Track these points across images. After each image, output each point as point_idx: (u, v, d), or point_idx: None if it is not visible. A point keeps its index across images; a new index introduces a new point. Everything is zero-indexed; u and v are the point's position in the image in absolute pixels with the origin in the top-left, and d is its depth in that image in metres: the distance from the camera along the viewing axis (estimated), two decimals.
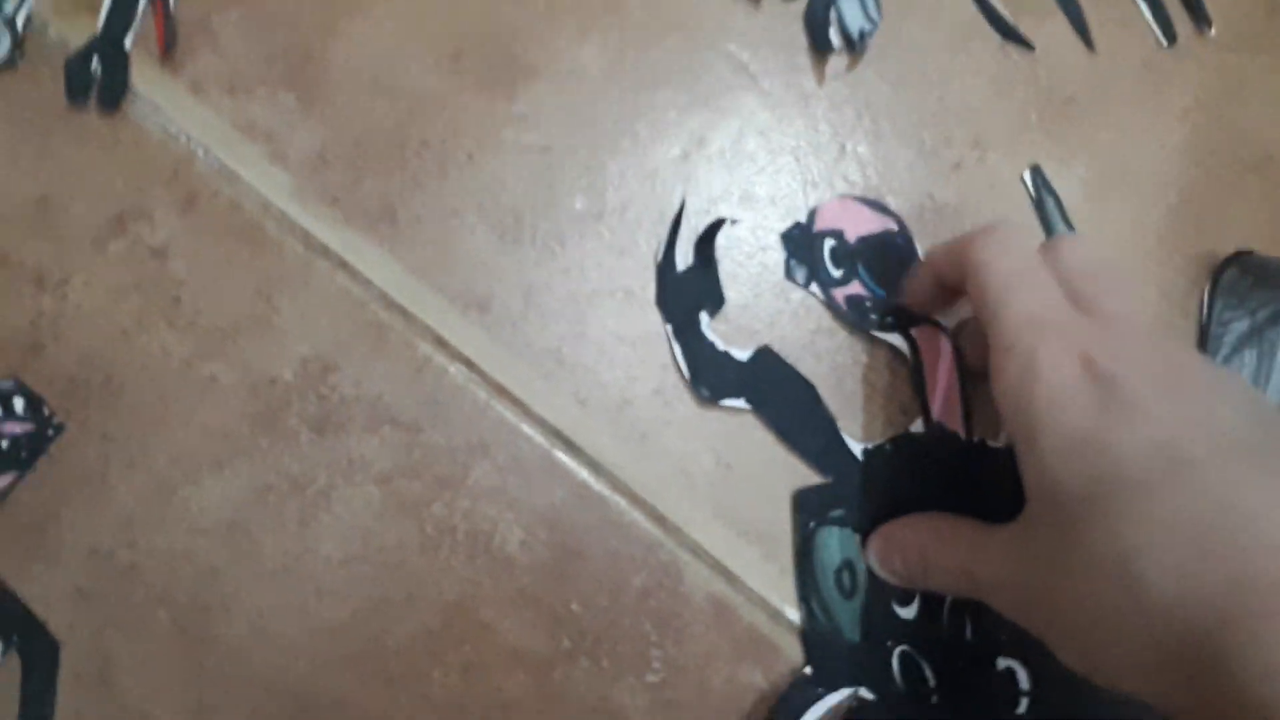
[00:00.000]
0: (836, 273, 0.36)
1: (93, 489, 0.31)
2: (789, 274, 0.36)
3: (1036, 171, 0.40)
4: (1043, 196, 0.39)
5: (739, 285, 0.36)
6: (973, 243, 0.31)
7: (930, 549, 0.31)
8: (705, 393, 0.35)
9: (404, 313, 0.34)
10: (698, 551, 0.34)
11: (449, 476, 0.33)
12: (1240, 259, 0.38)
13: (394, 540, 0.32)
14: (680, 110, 0.38)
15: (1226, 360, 0.37)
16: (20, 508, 0.31)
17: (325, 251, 0.34)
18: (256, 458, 0.32)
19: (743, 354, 0.35)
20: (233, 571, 0.31)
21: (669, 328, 0.35)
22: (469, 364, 0.34)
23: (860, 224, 0.37)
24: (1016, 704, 0.34)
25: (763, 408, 0.35)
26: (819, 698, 0.33)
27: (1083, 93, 0.41)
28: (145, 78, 0.35)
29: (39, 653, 0.30)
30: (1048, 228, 0.39)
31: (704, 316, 0.35)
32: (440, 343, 0.34)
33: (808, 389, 0.36)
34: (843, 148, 0.39)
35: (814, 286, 0.36)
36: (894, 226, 0.37)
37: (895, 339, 0.36)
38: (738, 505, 0.34)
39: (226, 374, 0.33)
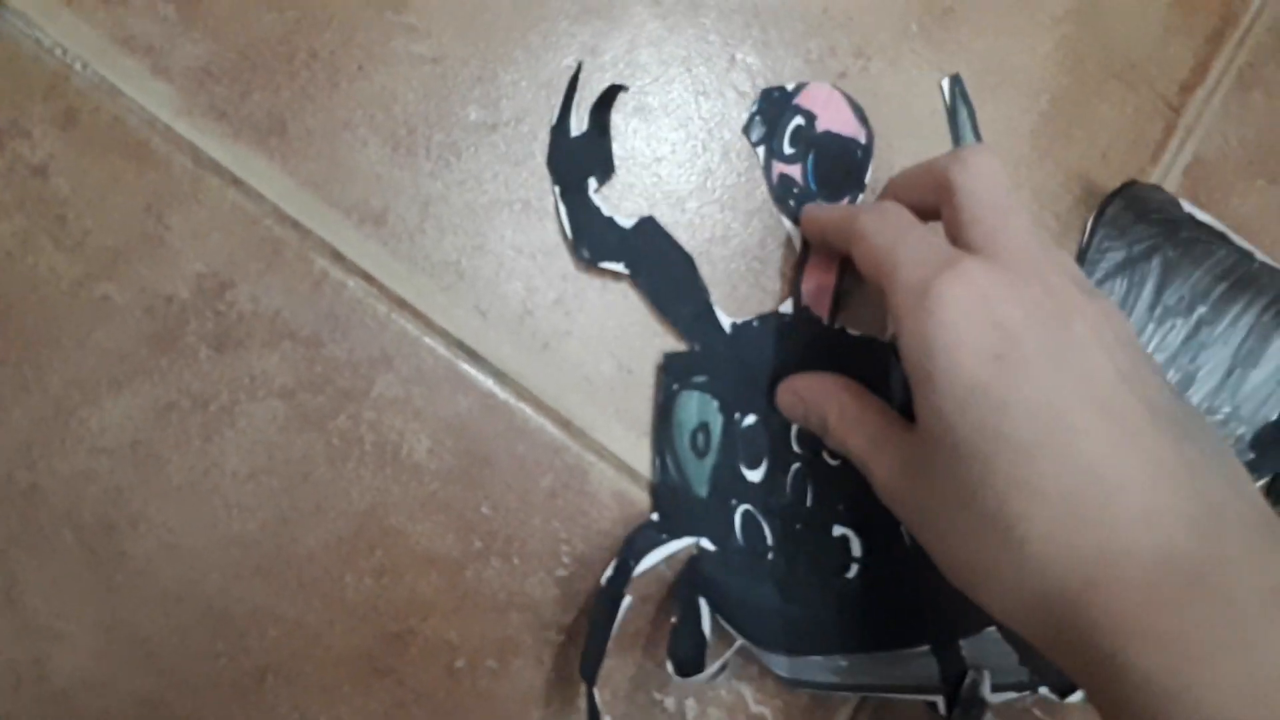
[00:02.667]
0: (789, 150, 0.38)
1: None
2: (747, 127, 0.38)
3: (956, 81, 0.41)
4: (957, 105, 0.41)
5: (635, 197, 0.37)
6: (855, 218, 0.32)
7: (832, 420, 0.33)
8: (585, 254, 0.36)
9: (298, 227, 0.34)
10: (601, 452, 0.35)
11: (352, 389, 0.34)
12: (1126, 190, 0.41)
13: (300, 453, 0.33)
14: (572, 20, 0.38)
15: (1098, 284, 0.39)
16: None
17: (215, 167, 0.34)
18: (156, 377, 0.32)
19: (626, 221, 0.36)
20: (138, 490, 0.31)
21: (556, 189, 0.36)
22: (367, 277, 0.34)
23: (834, 119, 0.38)
24: (847, 569, 0.36)
25: (640, 274, 0.36)
26: (662, 542, 0.35)
27: (960, 2, 0.43)
28: None
29: None
30: (957, 137, 0.41)
31: (592, 182, 0.36)
32: (337, 257, 0.34)
33: (685, 260, 0.37)
34: (732, 57, 0.39)
35: (760, 150, 0.37)
36: (861, 139, 0.38)
37: (790, 226, 0.38)
38: (638, 407, 0.35)
39: (119, 294, 0.32)
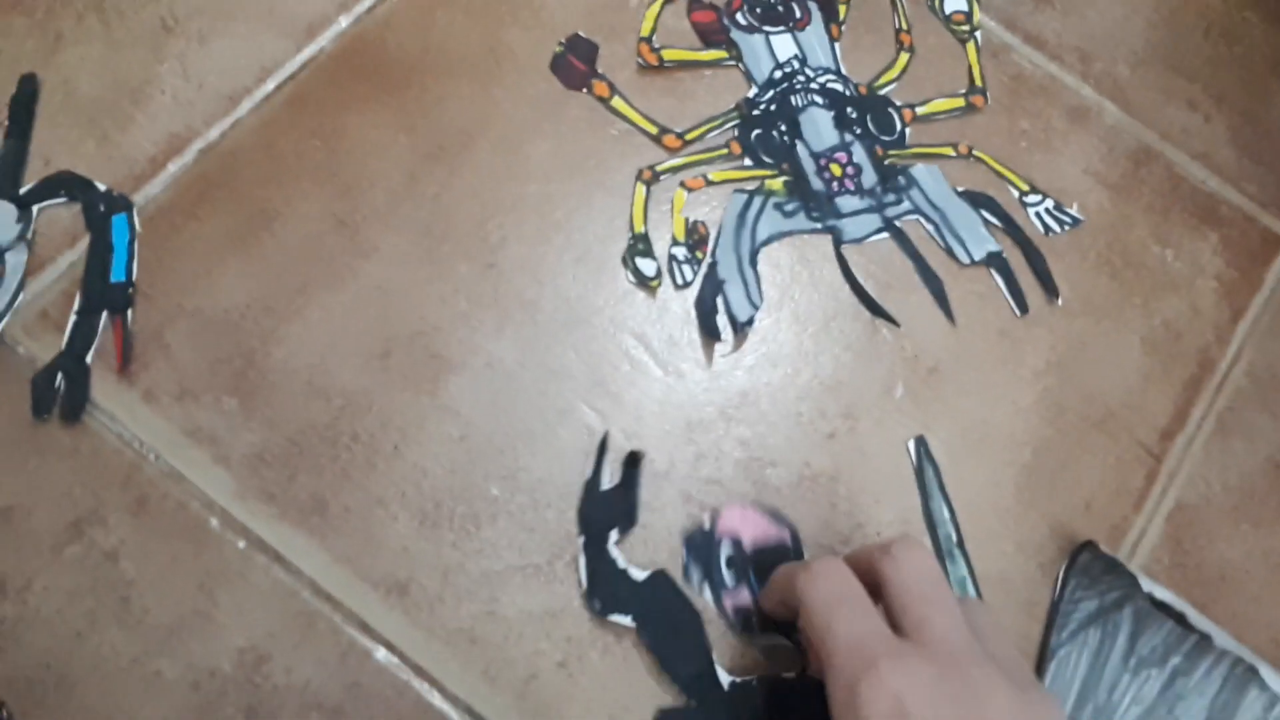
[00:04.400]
0: (730, 580, 0.41)
1: None
2: (685, 575, 0.41)
3: (920, 442, 0.45)
4: (924, 465, 0.44)
5: (636, 557, 0.41)
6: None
7: None
8: (597, 606, 0.39)
9: (331, 600, 0.38)
10: None
11: None
12: (1091, 546, 0.43)
13: None
14: (584, 395, 0.43)
15: (1073, 635, 0.42)
16: None
17: (262, 545, 0.39)
18: None
19: (640, 574, 0.40)
20: None
21: (581, 540, 0.40)
22: (389, 646, 0.38)
23: (756, 532, 0.42)
24: None
25: (646, 627, 0.39)
26: None
27: (945, 362, 0.47)
28: (104, 389, 0.40)
29: None
30: (925, 495, 0.44)
31: (614, 534, 0.40)
32: (364, 627, 0.38)
33: (693, 616, 0.40)
34: (729, 421, 0.44)
35: (706, 591, 0.40)
36: (788, 538, 0.42)
37: (779, 639, 0.41)
38: None
39: (170, 669, 0.37)
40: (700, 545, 0.41)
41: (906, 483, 0.44)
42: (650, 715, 0.39)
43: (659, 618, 0.40)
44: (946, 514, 0.43)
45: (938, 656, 0.32)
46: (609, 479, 0.41)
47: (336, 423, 0.41)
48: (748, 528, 0.42)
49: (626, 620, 0.39)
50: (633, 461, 0.41)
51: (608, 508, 0.41)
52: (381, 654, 0.38)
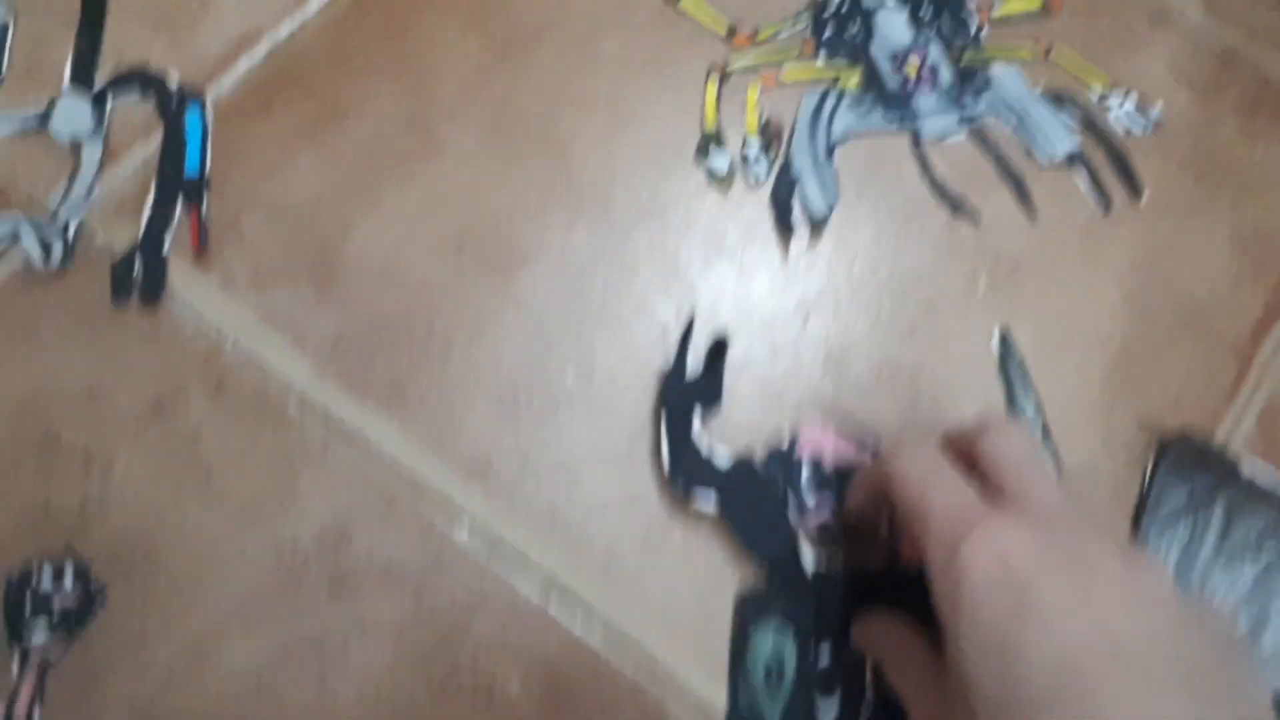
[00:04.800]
0: (811, 500, 0.40)
1: (134, 652, 0.35)
2: None
3: (1005, 336, 0.44)
4: (1007, 360, 0.43)
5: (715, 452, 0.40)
6: (884, 461, 0.35)
7: (885, 659, 0.35)
8: (680, 487, 0.39)
9: (412, 481, 0.38)
10: (681, 695, 0.37)
11: (452, 630, 0.37)
12: (1185, 438, 0.42)
13: (406, 693, 0.36)
14: (660, 288, 0.42)
15: (1160, 530, 0.40)
16: (70, 670, 0.35)
17: (341, 428, 0.39)
18: (280, 620, 0.36)
19: (724, 459, 0.39)
20: None
21: (663, 420, 0.39)
22: (470, 526, 0.38)
23: (838, 453, 0.41)
24: None
25: (730, 511, 0.39)
26: None
27: (1027, 259, 0.46)
28: (181, 275, 0.40)
29: None
30: (1010, 388, 0.43)
31: (698, 414, 0.40)
32: (444, 508, 0.38)
33: (777, 503, 0.39)
34: (807, 317, 0.43)
35: (790, 514, 0.40)
36: (869, 460, 0.41)
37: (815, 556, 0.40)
38: (718, 649, 0.37)
39: (254, 545, 0.37)
40: (779, 464, 0.40)
41: (990, 378, 0.43)
42: (732, 599, 0.38)
43: (743, 502, 0.39)
44: (1032, 407, 0.42)
45: (1041, 520, 0.31)
46: (692, 368, 0.41)
47: (412, 312, 0.41)
48: (829, 448, 0.41)
49: (710, 503, 0.39)
50: (718, 350, 0.41)
51: (690, 389, 0.40)
52: (462, 534, 0.38)
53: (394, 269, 0.41)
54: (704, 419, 0.40)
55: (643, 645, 0.37)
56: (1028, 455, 0.33)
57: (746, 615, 0.38)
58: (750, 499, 0.39)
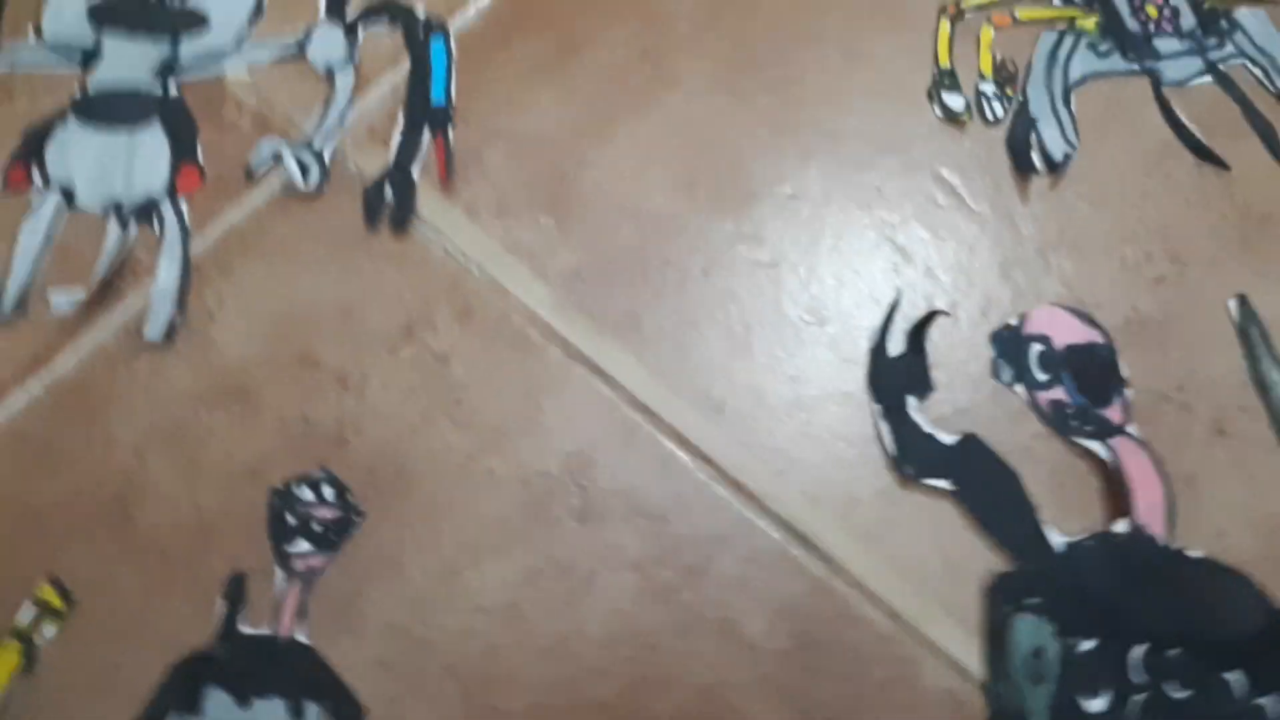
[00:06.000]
0: (1042, 377, 0.39)
1: (390, 570, 0.36)
2: (995, 373, 0.39)
3: (1243, 301, 0.41)
4: (1248, 326, 0.41)
5: (951, 390, 0.39)
6: None
7: None
8: (910, 471, 0.38)
9: (650, 413, 0.38)
10: (932, 648, 0.36)
11: (695, 566, 0.37)
12: None
13: (649, 624, 0.36)
14: (893, 228, 0.42)
15: None
16: (330, 586, 0.36)
17: (581, 357, 0.39)
18: (528, 544, 0.36)
19: (949, 438, 0.38)
20: (512, 649, 0.35)
21: (877, 408, 0.38)
22: (708, 460, 0.38)
23: (1068, 333, 0.40)
24: None
25: (965, 490, 0.37)
26: None
27: (1278, 212, 0.43)
28: (428, 204, 0.41)
29: (348, 717, 0.34)
30: (1253, 357, 0.41)
31: (911, 400, 0.38)
32: (682, 440, 0.38)
33: (1011, 477, 0.38)
34: (1047, 262, 0.42)
35: (1019, 387, 0.39)
36: (1099, 339, 0.39)
37: (1094, 445, 0.38)
38: (965, 602, 0.37)
39: (502, 468, 0.37)
40: (1009, 341, 0.39)
41: None
42: (979, 551, 0.37)
43: (977, 481, 0.38)
44: (1278, 376, 0.40)
45: None
46: (896, 346, 0.39)
47: (646, 245, 0.40)
48: (1058, 327, 0.40)
49: (944, 484, 0.38)
50: (921, 326, 0.40)
51: (898, 375, 0.39)
52: (700, 467, 0.38)
53: (629, 202, 0.41)
54: (919, 401, 0.39)
55: (889, 597, 0.36)
56: None
57: (1001, 600, 0.36)
58: (983, 479, 0.38)
